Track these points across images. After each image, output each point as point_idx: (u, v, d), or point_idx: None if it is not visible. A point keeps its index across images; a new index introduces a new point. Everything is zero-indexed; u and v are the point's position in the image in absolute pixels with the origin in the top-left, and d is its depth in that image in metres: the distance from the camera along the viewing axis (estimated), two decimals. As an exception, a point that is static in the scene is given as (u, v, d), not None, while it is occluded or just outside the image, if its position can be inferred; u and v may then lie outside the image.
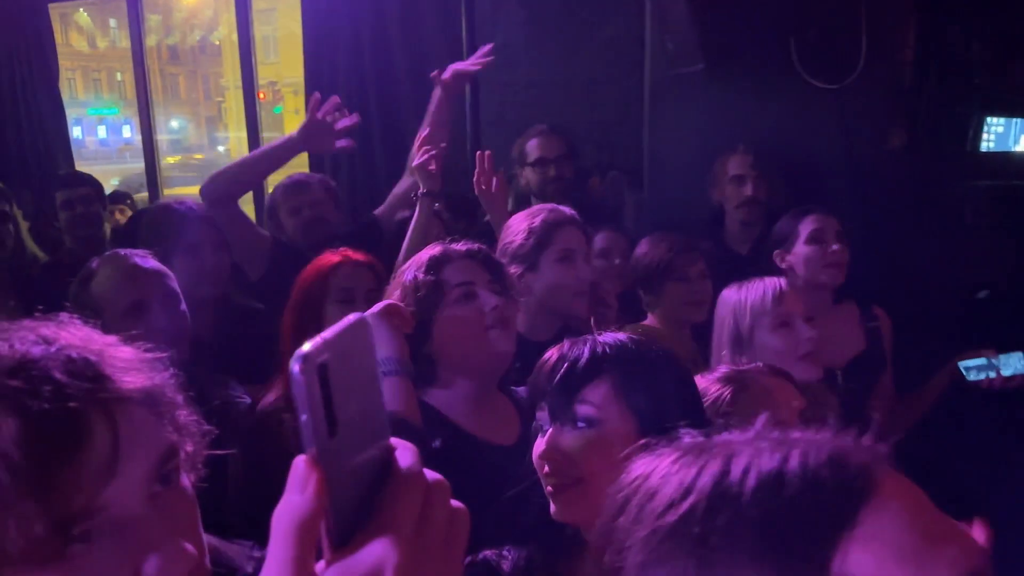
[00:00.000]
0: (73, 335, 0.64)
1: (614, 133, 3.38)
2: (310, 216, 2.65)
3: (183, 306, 1.83)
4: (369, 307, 1.86)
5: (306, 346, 0.42)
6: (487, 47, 2.60)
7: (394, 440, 0.47)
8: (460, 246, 1.60)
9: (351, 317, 0.48)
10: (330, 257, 1.96)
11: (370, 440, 0.45)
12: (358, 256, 1.99)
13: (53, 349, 0.61)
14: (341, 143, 2.45)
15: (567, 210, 2.04)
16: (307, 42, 3.94)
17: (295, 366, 0.41)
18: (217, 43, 21.28)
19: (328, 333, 0.44)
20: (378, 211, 2.79)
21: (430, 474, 0.46)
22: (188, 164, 17.57)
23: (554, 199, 2.84)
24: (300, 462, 0.42)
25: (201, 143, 23.93)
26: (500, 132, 3.27)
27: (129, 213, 4.09)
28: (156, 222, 2.41)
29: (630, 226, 3.09)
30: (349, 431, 0.43)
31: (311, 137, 2.42)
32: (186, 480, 0.66)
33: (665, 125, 3.11)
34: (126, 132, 23.96)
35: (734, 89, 2.87)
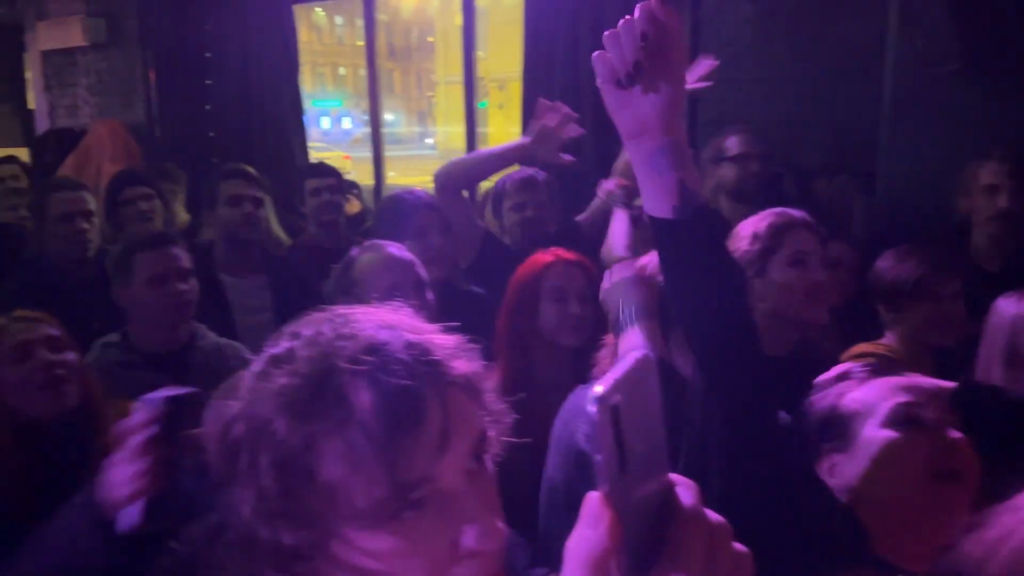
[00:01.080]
0: (405, 322, 0.70)
1: (845, 135, 3.18)
2: (532, 215, 2.70)
3: (430, 294, 1.93)
4: (582, 307, 1.89)
5: (599, 387, 0.44)
6: (708, 64, 2.53)
7: (673, 476, 0.48)
8: (800, 214, 1.71)
9: (636, 354, 0.48)
10: (543, 256, 1.99)
11: (654, 474, 0.47)
12: (570, 256, 2.01)
13: (396, 333, 0.66)
14: (565, 157, 2.48)
15: (797, 212, 1.93)
16: (527, 39, 4.01)
17: (591, 408, 0.43)
18: (431, 40, 22.35)
19: (617, 372, 0.45)
20: (580, 217, 2.79)
21: (712, 515, 0.47)
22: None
23: (750, 197, 2.72)
24: (594, 499, 0.44)
25: (411, 135, 25.22)
26: (719, 132, 3.16)
27: (357, 203, 4.36)
28: (388, 210, 2.55)
29: (858, 233, 2.90)
30: (636, 466, 0.45)
31: (540, 144, 2.46)
32: (489, 462, 0.70)
33: (907, 128, 2.88)
34: (346, 124, 25.77)
35: (991, 92, 2.62)
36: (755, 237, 1.86)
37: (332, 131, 24.56)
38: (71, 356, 1.79)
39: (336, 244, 3.33)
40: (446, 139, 22.35)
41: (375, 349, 0.65)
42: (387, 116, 25.79)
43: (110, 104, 5.77)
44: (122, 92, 5.69)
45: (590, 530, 0.43)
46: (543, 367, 1.91)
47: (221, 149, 5.34)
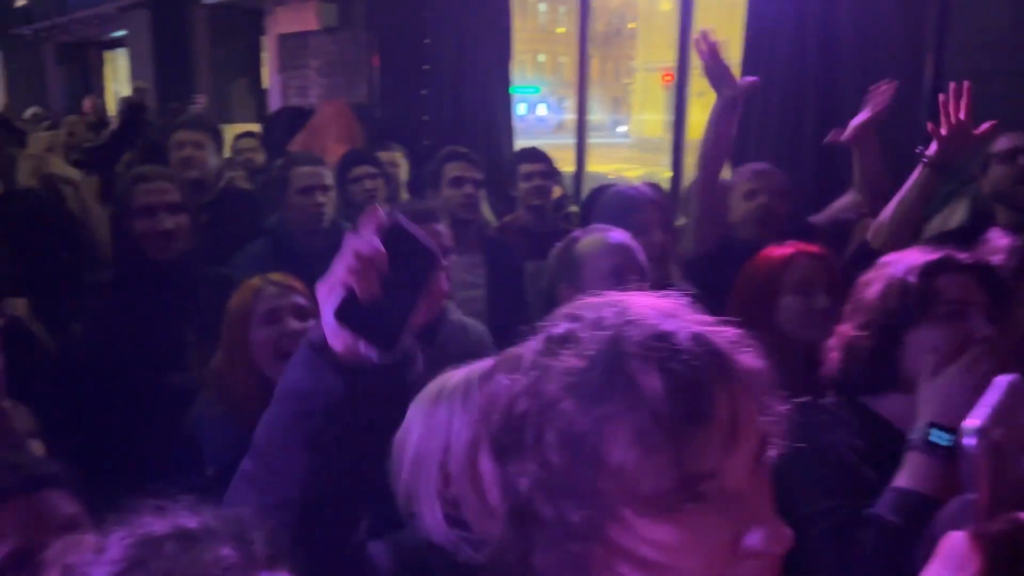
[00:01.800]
0: (685, 312, 0.69)
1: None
2: (764, 204, 2.61)
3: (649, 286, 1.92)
4: (830, 301, 1.79)
5: (977, 420, 0.39)
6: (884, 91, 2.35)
7: None
8: (965, 256, 1.44)
9: (1007, 379, 0.43)
10: (780, 248, 1.91)
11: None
12: (811, 248, 1.92)
13: (681, 323, 0.66)
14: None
15: None
16: (749, 26, 3.86)
17: (969, 441, 0.39)
18: (632, 26, 22.19)
19: (991, 401, 0.40)
20: (816, 218, 2.65)
21: None
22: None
23: None
24: (959, 540, 0.42)
25: (603, 123, 25.22)
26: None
27: (558, 188, 4.40)
28: (609, 205, 2.55)
29: None
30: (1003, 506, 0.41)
31: (719, 86, 2.38)
32: (766, 465, 0.68)
33: None
34: (541, 111, 26.19)
35: None
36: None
37: (527, 118, 25.08)
38: (313, 325, 1.92)
39: (542, 228, 3.40)
40: (641, 127, 22.17)
41: (663, 336, 0.64)
42: (577, 103, 25.85)
43: (337, 85, 6.18)
44: (348, 74, 6.08)
45: (954, 574, 0.40)
46: (775, 362, 1.84)
47: (433, 132, 5.58)
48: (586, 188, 5.00)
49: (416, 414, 1.19)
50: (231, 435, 1.80)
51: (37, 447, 1.54)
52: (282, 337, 1.86)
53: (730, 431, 0.63)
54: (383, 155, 3.97)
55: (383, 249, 0.80)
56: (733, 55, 4.02)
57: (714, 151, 2.46)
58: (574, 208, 4.05)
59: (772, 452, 0.68)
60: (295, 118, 6.37)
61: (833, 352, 1.45)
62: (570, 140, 5.42)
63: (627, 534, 0.64)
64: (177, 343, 2.27)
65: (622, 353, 0.64)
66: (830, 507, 1.23)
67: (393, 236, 0.82)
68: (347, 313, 0.79)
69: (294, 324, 1.87)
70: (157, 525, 0.65)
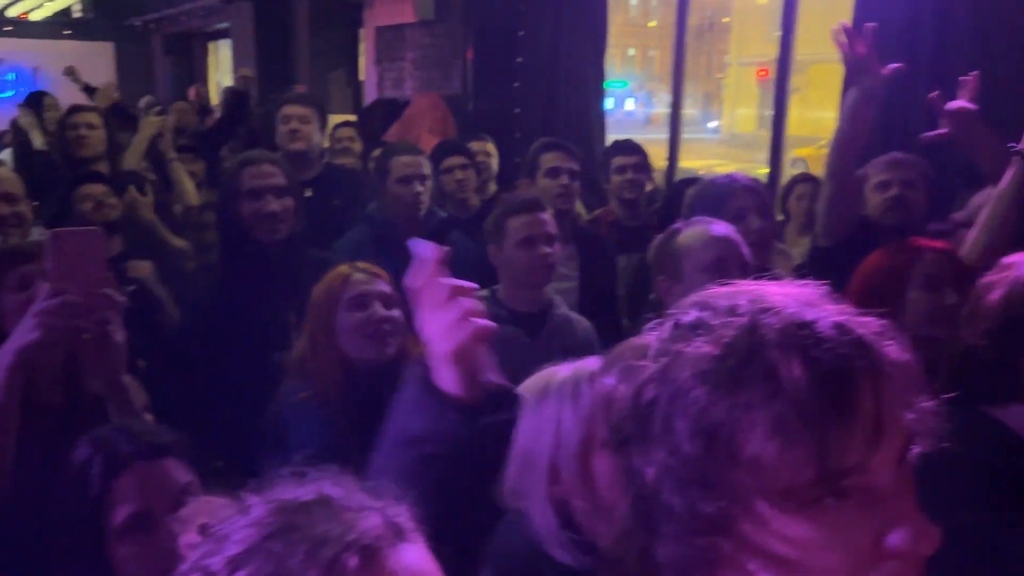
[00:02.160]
0: (824, 301, 0.67)
1: None
2: (897, 196, 2.53)
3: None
4: (958, 297, 1.72)
5: None
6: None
7: None
8: None
9: None
10: (908, 243, 1.87)
11: None
12: (939, 243, 1.88)
13: (822, 312, 0.64)
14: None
15: None
16: (858, 18, 3.72)
17: None
18: (726, 20, 21.75)
19: None
20: (957, 215, 2.54)
21: None
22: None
23: None
24: None
25: (693, 118, 24.80)
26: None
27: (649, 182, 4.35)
28: (703, 195, 2.51)
29: None
30: None
31: (857, 79, 2.27)
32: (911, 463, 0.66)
33: None
34: (629, 105, 25.93)
35: None
36: None
37: (614, 112, 24.81)
38: (397, 313, 1.93)
39: (634, 222, 3.37)
40: (732, 123, 21.73)
41: (804, 325, 0.62)
42: (670, 99, 25.52)
43: (431, 77, 6.26)
44: (442, 66, 6.15)
45: None
46: None
47: (524, 125, 5.60)
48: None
49: (522, 410, 1.19)
50: (316, 420, 1.84)
51: (150, 421, 1.62)
52: (369, 322, 1.90)
53: (875, 425, 0.61)
54: (475, 145, 4.02)
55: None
56: (814, 48, 3.90)
57: (849, 142, 2.37)
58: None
59: (917, 450, 0.65)
60: (390, 110, 6.49)
61: (951, 356, 1.39)
62: (659, 135, 5.35)
63: (760, 529, 0.62)
64: (280, 323, 2.35)
65: (761, 341, 0.62)
66: (973, 523, 1.18)
67: None
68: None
69: (380, 311, 1.90)
70: (300, 491, 0.65)
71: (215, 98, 9.65)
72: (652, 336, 0.70)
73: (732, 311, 0.66)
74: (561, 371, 1.27)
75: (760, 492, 0.61)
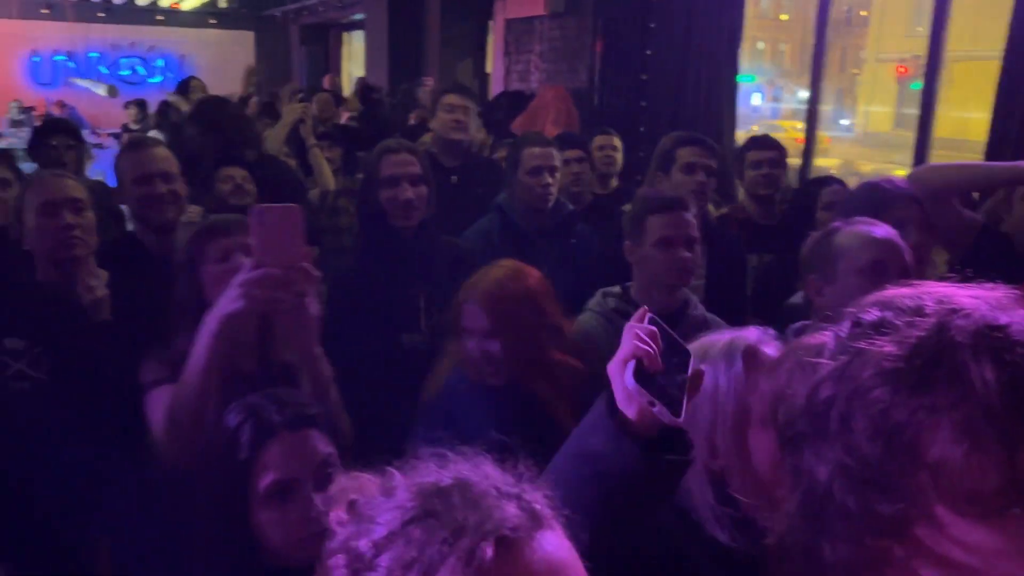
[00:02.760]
0: (1014, 304, 0.64)
1: None
2: None
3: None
4: None
5: None
6: None
7: None
8: None
9: None
10: None
11: None
12: None
13: (1016, 315, 0.62)
14: None
15: None
16: (1017, 14, 3.48)
17: None
18: (864, 14, 20.74)
19: None
20: None
21: None
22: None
23: None
24: None
25: (824, 114, 23.75)
26: None
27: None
28: (864, 197, 2.40)
29: None
30: None
31: None
32: None
33: None
34: (755, 100, 25.13)
35: None
36: None
37: (740, 107, 23.95)
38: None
39: (766, 220, 3.27)
40: (867, 121, 20.71)
41: (997, 328, 0.60)
42: (802, 93, 24.59)
43: (558, 70, 6.27)
44: (570, 59, 6.14)
45: None
46: None
47: (651, 119, 5.52)
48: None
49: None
50: (481, 406, 1.85)
51: (335, 393, 1.68)
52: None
53: None
54: (600, 139, 4.01)
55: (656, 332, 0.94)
56: (994, 46, 3.66)
57: (962, 186, 2.34)
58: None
59: None
60: (515, 102, 6.54)
61: None
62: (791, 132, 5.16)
63: (938, 534, 0.60)
64: (410, 306, 2.41)
65: (949, 342, 0.60)
66: None
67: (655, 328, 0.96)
68: (641, 380, 0.91)
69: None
70: (441, 475, 0.66)
71: (347, 87, 9.99)
72: (827, 335, 0.69)
73: (918, 311, 0.63)
74: (717, 339, 1.25)
75: (941, 497, 0.59)
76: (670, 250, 2.17)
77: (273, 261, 1.42)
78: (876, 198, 2.24)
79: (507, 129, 5.72)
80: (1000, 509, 0.58)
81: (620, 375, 0.91)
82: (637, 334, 0.92)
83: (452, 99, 3.46)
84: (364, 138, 4.85)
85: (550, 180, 2.93)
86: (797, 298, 2.37)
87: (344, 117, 6.36)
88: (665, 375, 0.92)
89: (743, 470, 1.14)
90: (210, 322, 1.47)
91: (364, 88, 6.72)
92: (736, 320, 2.81)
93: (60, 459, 1.60)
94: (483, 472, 0.67)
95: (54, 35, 13.62)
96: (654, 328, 0.95)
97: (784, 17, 24.45)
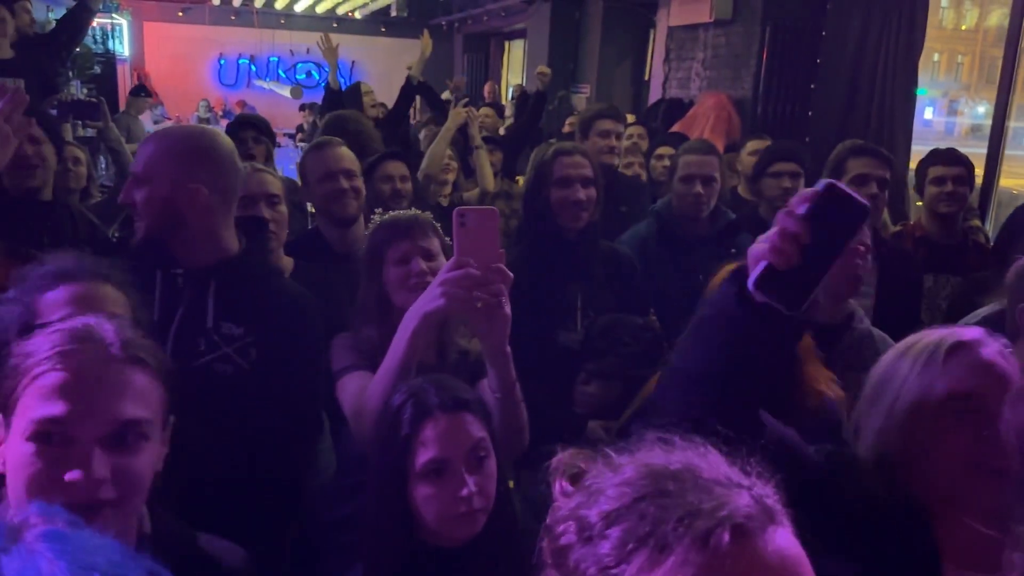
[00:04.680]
0: None
1: None
2: None
3: None
4: None
5: None
6: None
7: None
8: None
9: None
10: None
11: None
12: None
13: None
14: None
15: None
16: None
17: None
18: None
19: None
20: None
21: None
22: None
23: None
24: None
25: (1010, 131, 21.98)
26: None
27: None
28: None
29: None
30: None
31: None
32: None
33: None
34: (927, 114, 23.60)
35: None
36: None
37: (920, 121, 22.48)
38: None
39: (947, 240, 3.08)
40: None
41: None
42: (979, 108, 22.82)
43: (721, 78, 6.15)
44: (734, 67, 6.02)
45: None
46: None
47: (817, 129, 5.32)
48: (995, 203, 4.42)
49: (889, 357, 1.26)
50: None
51: (518, 393, 1.70)
52: None
53: None
54: (753, 144, 3.91)
55: (807, 224, 0.89)
56: None
57: None
58: (976, 223, 3.60)
59: None
60: (673, 109, 6.47)
61: None
62: (971, 148, 4.81)
63: None
64: (569, 306, 2.45)
65: None
66: None
67: (827, 196, 0.91)
68: (766, 282, 0.91)
69: None
70: (669, 458, 0.67)
71: (506, 96, 10.21)
72: None
73: None
74: (932, 334, 1.24)
75: None
76: (844, 260, 2.08)
77: (473, 262, 1.47)
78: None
79: (664, 136, 5.68)
80: None
81: (755, 264, 0.92)
82: (783, 230, 0.89)
83: (604, 124, 3.48)
84: (520, 143, 4.95)
85: (701, 190, 2.88)
86: (972, 318, 2.23)
87: (502, 127, 6.51)
88: (806, 264, 0.89)
89: (915, 461, 1.14)
90: (411, 319, 1.54)
91: (522, 95, 6.85)
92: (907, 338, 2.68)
93: (252, 441, 1.71)
94: (710, 461, 0.67)
95: (239, 40, 14.72)
96: (801, 223, 0.90)
97: (965, 27, 22.86)
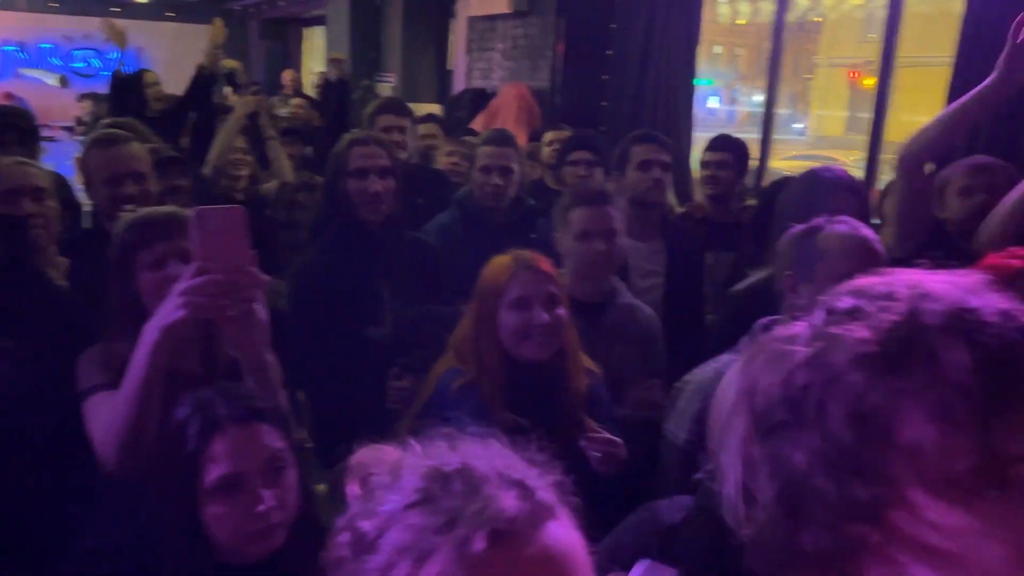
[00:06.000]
0: (986, 288, 0.65)
1: None
2: (982, 203, 2.45)
3: None
4: None
5: None
6: None
7: None
8: None
9: None
10: (1005, 258, 1.80)
11: None
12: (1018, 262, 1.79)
13: (986, 299, 0.63)
14: None
15: None
16: (967, 23, 3.61)
17: None
18: (817, 20, 21.15)
19: None
20: None
21: None
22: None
23: None
24: None
25: (777, 119, 24.07)
26: None
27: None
28: (803, 186, 2.47)
29: None
30: None
31: (1014, 69, 2.05)
32: None
33: None
34: (711, 103, 25.46)
35: None
36: None
37: (697, 109, 24.17)
38: (561, 312, 1.89)
39: (723, 219, 3.35)
40: (819, 124, 21.10)
41: (969, 310, 0.60)
42: (757, 97, 24.91)
43: (521, 68, 6.31)
44: (532, 58, 6.19)
45: None
46: None
47: (611, 118, 5.60)
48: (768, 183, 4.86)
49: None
50: (474, 403, 1.82)
51: (283, 399, 1.62)
52: (529, 325, 1.85)
53: None
54: (552, 134, 4.04)
55: None
56: (942, 50, 3.79)
57: (947, 137, 2.25)
58: (751, 201, 3.95)
59: None
60: (477, 100, 6.57)
61: None
62: (747, 134, 5.26)
63: (914, 518, 0.60)
64: (374, 299, 2.43)
65: (922, 325, 0.61)
66: None
67: None
68: None
69: (542, 315, 1.85)
70: (450, 458, 0.65)
71: (308, 84, 9.90)
72: (800, 325, 0.69)
73: (890, 296, 0.64)
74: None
75: (917, 479, 0.60)
76: (589, 242, 2.24)
77: (216, 266, 1.34)
78: (815, 187, 2.30)
79: (468, 127, 5.75)
80: (975, 490, 0.58)
81: None
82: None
83: (386, 119, 3.36)
84: (328, 133, 4.83)
85: (499, 180, 2.95)
86: (740, 286, 2.44)
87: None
88: None
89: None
90: (150, 333, 1.38)
91: (325, 84, 6.68)
92: (694, 315, 2.90)
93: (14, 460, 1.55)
94: (492, 454, 0.66)
95: (4, 25, 13.27)
96: None
97: (741, 22, 24.81)
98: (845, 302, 0.67)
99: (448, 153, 4.10)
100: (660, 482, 1.86)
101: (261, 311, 1.42)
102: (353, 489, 0.68)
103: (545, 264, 1.92)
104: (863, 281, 0.69)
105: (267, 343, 1.47)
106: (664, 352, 2.40)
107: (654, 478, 1.91)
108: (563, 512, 0.64)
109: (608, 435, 1.82)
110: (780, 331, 0.71)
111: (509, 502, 0.61)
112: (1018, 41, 2.04)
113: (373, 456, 0.70)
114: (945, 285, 0.64)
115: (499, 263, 1.93)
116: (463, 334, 1.96)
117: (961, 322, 0.60)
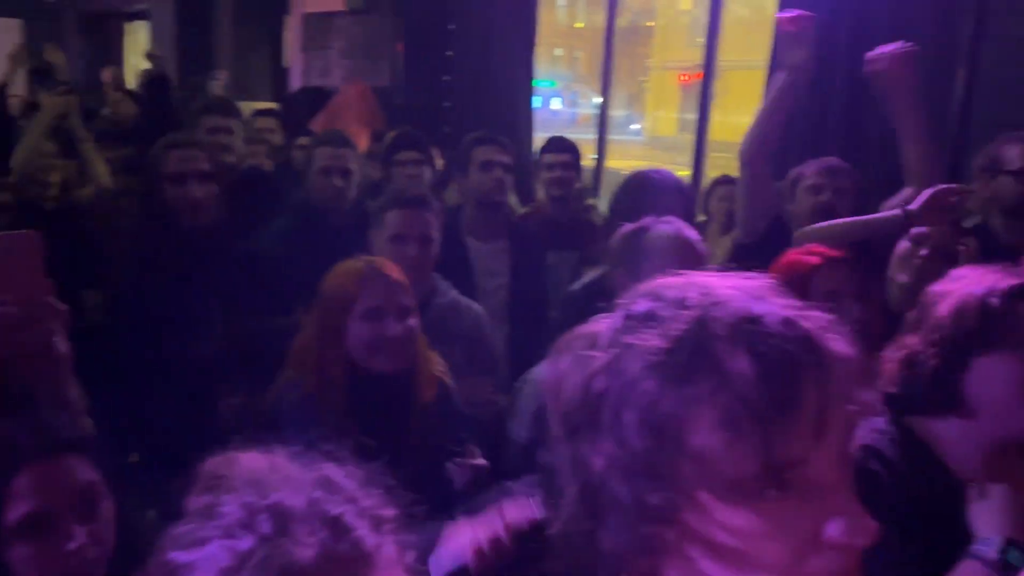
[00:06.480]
0: (772, 295, 0.68)
1: None
2: (827, 202, 2.57)
3: None
4: (862, 310, 1.77)
5: None
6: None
7: None
8: None
9: None
10: (805, 255, 1.89)
11: None
12: (837, 254, 1.88)
13: (770, 306, 0.65)
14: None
15: None
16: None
17: None
18: (649, 24, 22.15)
19: None
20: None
21: None
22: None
23: None
24: None
25: (616, 120, 25.02)
26: (995, 138, 2.85)
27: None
28: (633, 188, 2.55)
29: None
30: None
31: (788, 56, 2.38)
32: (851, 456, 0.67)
33: None
34: (555, 104, 26.10)
35: None
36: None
37: (540, 110, 24.66)
38: (413, 323, 1.81)
39: (564, 219, 3.40)
40: (654, 125, 22.11)
41: (752, 319, 0.63)
42: (596, 99, 25.75)
43: (359, 68, 6.18)
44: (371, 57, 6.07)
45: None
46: None
47: (455, 119, 5.58)
48: (605, 183, 5.00)
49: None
50: (314, 421, 1.71)
51: (88, 425, 1.46)
52: (381, 338, 1.75)
53: (818, 419, 0.62)
54: (393, 135, 3.97)
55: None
56: (761, 54, 4.02)
57: (771, 128, 2.44)
58: (591, 201, 4.05)
59: (857, 443, 0.66)
60: (315, 98, 6.37)
61: (891, 365, 1.34)
62: (586, 135, 5.41)
63: (703, 519, 0.63)
64: (202, 312, 2.29)
65: (709, 334, 0.63)
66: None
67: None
68: None
69: (394, 327, 1.76)
70: (266, 488, 0.64)
71: (131, 81, 9.28)
72: (603, 325, 0.70)
73: (682, 303, 0.66)
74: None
75: (705, 484, 0.62)
76: (400, 246, 2.18)
77: (8, 298, 1.24)
78: (643, 188, 2.39)
79: (306, 127, 5.56)
80: (757, 492, 0.61)
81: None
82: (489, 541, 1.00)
83: (211, 121, 3.19)
84: (151, 135, 4.51)
85: (339, 182, 2.85)
86: (577, 285, 2.49)
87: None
88: None
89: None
90: None
91: (150, 81, 6.26)
92: (538, 315, 2.92)
93: None
94: (318, 482, 0.65)
95: None
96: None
97: (579, 25, 25.57)
98: (642, 306, 0.69)
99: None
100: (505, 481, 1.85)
101: (61, 344, 1.31)
102: (195, 502, 0.64)
103: (396, 272, 1.82)
104: (661, 282, 0.71)
105: (69, 378, 1.36)
106: (495, 349, 2.42)
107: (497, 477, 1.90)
108: (383, 552, 0.64)
109: (475, 461, 1.78)
110: (584, 329, 0.73)
111: (305, 551, 0.60)
112: (782, 33, 2.36)
113: (227, 464, 0.65)
114: (734, 291, 0.67)
115: (347, 270, 1.83)
116: (303, 344, 1.85)
117: (745, 332, 0.63)
